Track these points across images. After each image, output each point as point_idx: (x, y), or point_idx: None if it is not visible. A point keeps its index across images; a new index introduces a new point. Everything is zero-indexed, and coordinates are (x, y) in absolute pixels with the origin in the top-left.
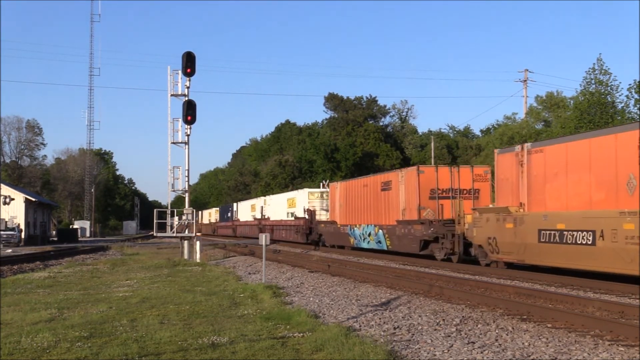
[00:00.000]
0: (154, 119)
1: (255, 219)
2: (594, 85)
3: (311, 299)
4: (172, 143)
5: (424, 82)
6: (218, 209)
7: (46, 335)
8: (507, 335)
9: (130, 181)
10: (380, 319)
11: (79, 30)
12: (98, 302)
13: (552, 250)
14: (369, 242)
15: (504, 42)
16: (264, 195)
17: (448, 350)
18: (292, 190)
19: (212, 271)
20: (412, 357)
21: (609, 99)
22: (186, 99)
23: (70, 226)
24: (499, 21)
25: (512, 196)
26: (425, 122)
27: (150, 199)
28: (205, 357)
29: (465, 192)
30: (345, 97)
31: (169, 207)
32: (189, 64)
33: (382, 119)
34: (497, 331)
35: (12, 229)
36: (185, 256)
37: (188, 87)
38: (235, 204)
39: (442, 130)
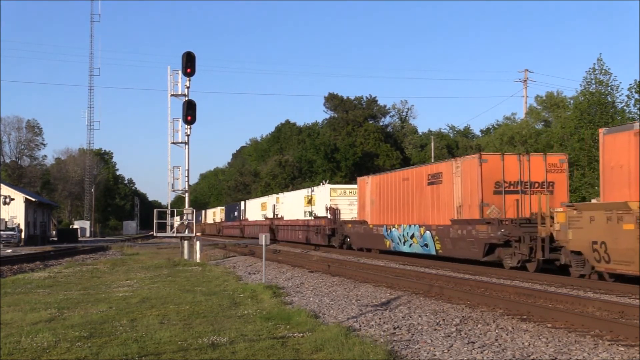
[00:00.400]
0: (154, 119)
1: (266, 218)
2: (594, 85)
3: (311, 299)
4: (172, 143)
5: (424, 82)
6: (223, 208)
7: (46, 335)
8: (507, 335)
9: (130, 181)
10: (380, 319)
11: (79, 30)
12: (98, 302)
13: None
14: (411, 245)
15: (504, 42)
16: (276, 193)
17: (448, 350)
18: (307, 186)
19: (212, 271)
20: (412, 357)
21: (609, 99)
22: (186, 99)
23: (70, 226)
24: (499, 21)
25: (631, 188)
26: (425, 122)
27: (150, 199)
28: (205, 357)
29: (536, 185)
30: (345, 97)
31: (169, 207)
32: (189, 64)
33: (382, 119)
34: (497, 331)
35: (12, 229)
36: (185, 256)
37: (188, 87)
38: (242, 203)
39: (442, 130)
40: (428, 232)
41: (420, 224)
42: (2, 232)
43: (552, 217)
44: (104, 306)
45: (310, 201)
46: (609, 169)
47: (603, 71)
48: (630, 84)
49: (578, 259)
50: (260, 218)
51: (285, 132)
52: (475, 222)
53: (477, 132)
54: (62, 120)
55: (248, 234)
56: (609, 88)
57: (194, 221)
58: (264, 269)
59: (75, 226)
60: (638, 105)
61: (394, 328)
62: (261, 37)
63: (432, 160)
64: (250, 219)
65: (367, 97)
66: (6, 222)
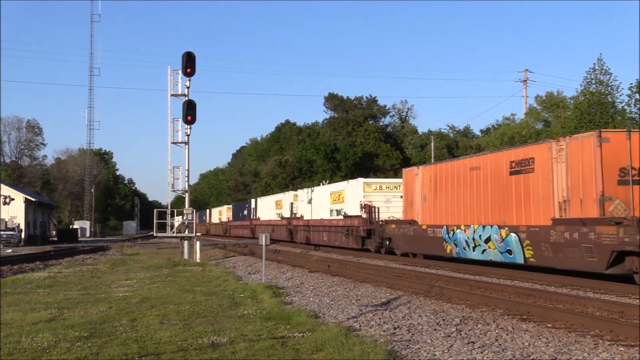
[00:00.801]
0: (154, 119)
1: (282, 217)
2: (594, 86)
3: (311, 299)
4: (172, 143)
5: (424, 82)
6: (230, 206)
7: (46, 335)
8: (507, 335)
9: (130, 181)
10: (380, 319)
11: (79, 30)
12: (98, 302)
13: None
14: (485, 251)
15: (504, 42)
16: (294, 189)
17: (448, 350)
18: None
19: (212, 271)
20: (412, 357)
21: (609, 99)
22: (186, 99)
23: (70, 226)
24: (499, 21)
25: None
26: (425, 122)
27: (150, 199)
28: (205, 357)
29: None
30: (345, 97)
31: (169, 207)
32: (189, 64)
33: (382, 119)
34: (497, 331)
35: (12, 229)
36: (185, 256)
37: (188, 87)
38: (253, 200)
39: (442, 130)
40: (513, 234)
41: (501, 225)
42: (2, 232)
43: None
44: (104, 306)
45: (338, 198)
46: None
47: (603, 71)
48: (631, 84)
49: None
50: (275, 217)
51: (285, 132)
52: (594, 222)
53: (477, 132)
54: (62, 120)
55: (258, 235)
56: (609, 88)
57: (194, 221)
58: (264, 269)
59: (75, 226)
60: (638, 105)
61: (394, 328)
62: (261, 37)
63: (432, 161)
64: (262, 218)
65: (367, 97)
66: (6, 222)
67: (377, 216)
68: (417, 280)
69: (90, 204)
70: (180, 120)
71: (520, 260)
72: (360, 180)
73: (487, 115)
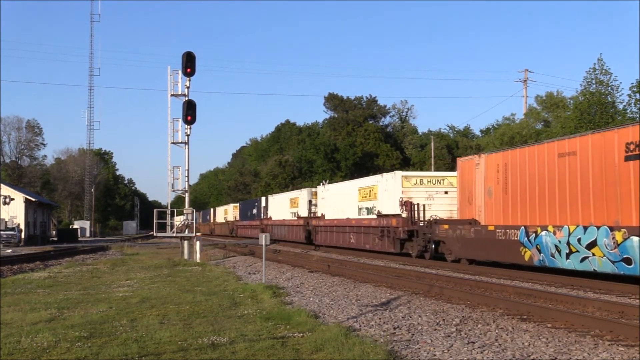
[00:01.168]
0: (154, 119)
1: (299, 217)
2: (594, 85)
3: (311, 299)
4: (172, 143)
5: (424, 82)
6: (237, 204)
7: (46, 335)
8: (507, 335)
9: (130, 181)
10: (380, 319)
11: (79, 30)
12: (98, 302)
13: None
14: (587, 259)
15: (504, 42)
16: (312, 186)
17: (448, 350)
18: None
19: (212, 271)
20: (412, 357)
21: (609, 99)
22: (186, 99)
23: (70, 226)
24: (499, 21)
25: None
26: (425, 122)
27: (150, 199)
28: (205, 357)
29: None
30: (345, 97)
31: (169, 207)
32: (189, 64)
33: (382, 119)
34: (497, 331)
35: (12, 229)
36: (185, 256)
37: (188, 87)
38: (263, 198)
39: (442, 130)
40: (636, 239)
41: (613, 226)
42: (2, 232)
43: None
44: (104, 306)
45: (368, 195)
46: None
47: (603, 71)
48: (632, 84)
49: None
50: (289, 217)
51: (285, 132)
52: None
53: (477, 132)
54: (62, 120)
55: (272, 236)
56: (609, 88)
57: (194, 221)
58: (264, 269)
59: (75, 226)
60: (639, 105)
61: (394, 328)
62: (261, 37)
63: (432, 161)
64: (275, 218)
65: (367, 97)
66: (6, 222)
67: (420, 215)
68: (417, 280)
69: (90, 204)
70: (180, 120)
71: None
72: (398, 174)
73: (487, 115)
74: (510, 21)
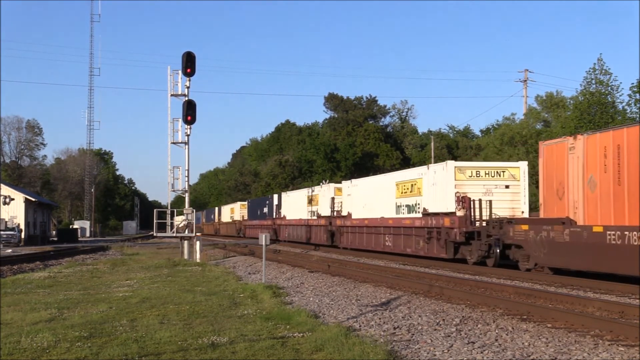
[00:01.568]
0: (154, 119)
1: (320, 216)
2: (594, 86)
3: (311, 299)
4: (172, 143)
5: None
6: (245, 203)
7: (46, 335)
8: (507, 335)
9: (130, 181)
10: (380, 319)
11: (79, 30)
12: (98, 302)
13: None
14: None
15: (504, 42)
16: (334, 181)
17: (448, 350)
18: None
19: (212, 271)
20: (412, 357)
21: (609, 99)
22: (186, 99)
23: (70, 226)
24: (499, 21)
25: None
26: (425, 122)
27: (150, 199)
28: (205, 357)
29: None
30: (345, 97)
31: (169, 207)
32: (189, 64)
33: (382, 119)
34: (497, 331)
35: (12, 229)
36: (185, 256)
37: (188, 87)
38: (276, 196)
39: (442, 130)
40: None
41: None
42: (2, 232)
43: None
44: (104, 306)
45: (410, 189)
46: None
47: (603, 71)
48: (632, 84)
49: None
50: (307, 216)
51: (285, 132)
52: None
53: (477, 132)
54: (62, 120)
55: (288, 237)
56: (609, 88)
57: (194, 221)
58: (264, 269)
59: (75, 226)
60: (639, 105)
61: (394, 328)
62: (261, 37)
63: (432, 161)
64: (289, 217)
65: (367, 97)
66: (6, 222)
67: (478, 212)
68: (417, 280)
69: (90, 204)
70: (180, 120)
71: None
72: (451, 165)
73: (487, 115)
74: (510, 21)
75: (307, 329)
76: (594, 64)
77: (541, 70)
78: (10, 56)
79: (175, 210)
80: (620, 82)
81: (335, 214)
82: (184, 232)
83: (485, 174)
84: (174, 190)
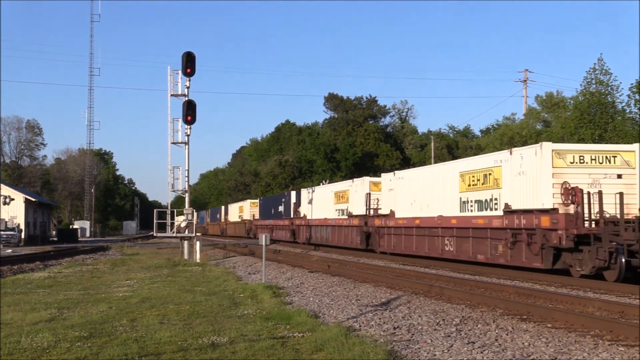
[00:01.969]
0: (154, 119)
1: (351, 215)
2: (594, 86)
3: (311, 299)
4: (172, 143)
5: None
6: (256, 201)
7: (46, 335)
8: (507, 335)
9: (130, 181)
10: (380, 319)
11: (79, 30)
12: (98, 302)
13: None
14: None
15: (504, 42)
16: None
17: (448, 350)
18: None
19: (212, 271)
20: (412, 357)
21: (609, 99)
22: (186, 99)
23: (70, 226)
24: (499, 21)
25: None
26: (425, 122)
27: (150, 199)
28: (205, 357)
29: None
30: (345, 97)
31: (169, 207)
32: (189, 64)
33: (382, 119)
34: (497, 331)
35: (12, 229)
36: (185, 256)
37: (188, 87)
38: (294, 193)
39: (442, 130)
40: None
41: None
42: (2, 232)
43: None
44: (104, 306)
45: (482, 181)
46: None
47: (603, 71)
48: (632, 84)
49: None
50: (334, 215)
51: (285, 132)
52: None
53: (477, 132)
54: (62, 120)
55: (308, 239)
56: (609, 88)
57: (194, 221)
58: (264, 269)
59: (75, 226)
60: (638, 105)
61: (394, 328)
62: (261, 37)
63: (432, 161)
64: (312, 217)
65: (367, 97)
66: (6, 222)
67: (600, 209)
68: (417, 280)
69: (90, 204)
70: (180, 120)
71: None
72: (547, 147)
73: (487, 115)
74: (510, 21)
75: (307, 329)
76: (594, 64)
77: (541, 70)
78: (10, 56)
79: (175, 210)
80: (620, 82)
81: (371, 212)
82: (184, 232)
83: (592, 159)
84: (174, 190)
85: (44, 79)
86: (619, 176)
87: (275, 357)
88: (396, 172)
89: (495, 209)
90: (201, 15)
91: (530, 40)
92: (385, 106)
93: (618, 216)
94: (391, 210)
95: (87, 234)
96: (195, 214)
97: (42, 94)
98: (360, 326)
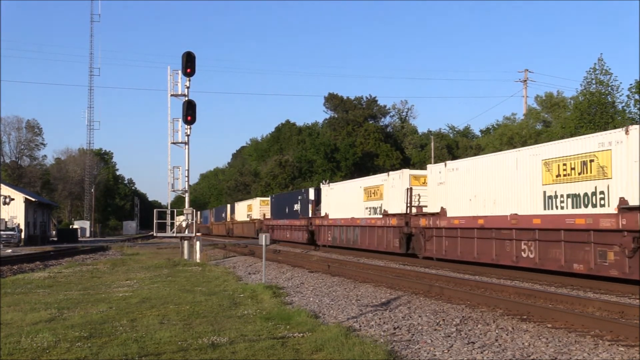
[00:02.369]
0: (154, 119)
1: (387, 214)
2: (594, 86)
3: (311, 299)
4: (172, 143)
5: (424, 82)
6: (268, 199)
7: (46, 335)
8: (507, 335)
9: (130, 181)
10: (380, 319)
11: (79, 30)
12: (98, 302)
13: None
14: None
15: (504, 42)
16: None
17: (448, 350)
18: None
19: (212, 271)
20: (412, 357)
21: (609, 99)
22: (186, 99)
23: (70, 226)
24: (499, 21)
25: None
26: (425, 122)
27: (150, 199)
28: (205, 357)
29: None
30: (345, 97)
31: (169, 207)
32: (189, 64)
33: (382, 119)
34: (497, 331)
35: (12, 229)
36: (185, 256)
37: (188, 87)
38: (312, 190)
39: (442, 130)
40: None
41: None
42: (2, 232)
43: None
44: (104, 306)
45: (582, 169)
46: None
47: (604, 71)
48: (631, 84)
49: None
50: (364, 214)
51: (285, 132)
52: None
53: (477, 132)
54: (62, 120)
55: (330, 241)
56: (609, 88)
57: (194, 221)
58: (264, 269)
59: (75, 226)
60: (638, 106)
61: (394, 328)
62: (261, 37)
63: (432, 161)
64: (335, 216)
65: (367, 97)
66: (6, 222)
67: None
68: (417, 280)
69: (90, 204)
70: (180, 120)
71: None
72: None
73: (487, 115)
74: (510, 21)
75: (307, 329)
76: (595, 64)
77: (541, 70)
78: (10, 56)
79: (175, 210)
80: (620, 82)
81: (413, 210)
82: (184, 232)
83: None
84: (174, 190)
85: (44, 79)
86: None
87: (275, 357)
88: (448, 162)
89: (602, 205)
90: (201, 15)
91: (530, 40)
92: (385, 106)
93: None
94: (442, 208)
95: (87, 234)
96: (198, 213)
97: (42, 94)
98: (360, 326)
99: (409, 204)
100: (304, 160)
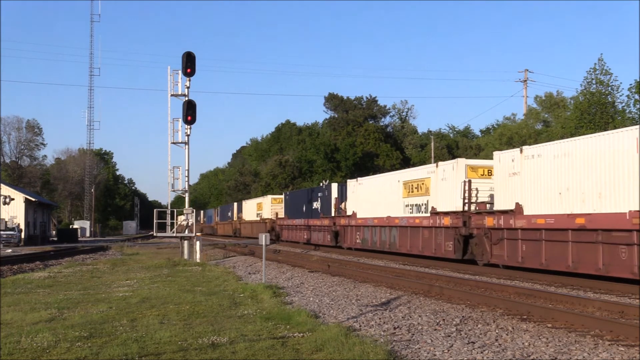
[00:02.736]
0: (154, 119)
1: (435, 213)
2: (594, 86)
3: (311, 299)
4: (172, 143)
5: (424, 82)
6: (281, 196)
7: (46, 335)
8: (507, 335)
9: (130, 181)
10: (380, 319)
11: (79, 30)
12: (98, 302)
13: None
14: None
15: (504, 42)
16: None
17: (448, 350)
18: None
19: (212, 271)
20: (412, 357)
21: (610, 99)
22: (186, 99)
23: (70, 226)
24: (499, 21)
25: None
26: (425, 122)
27: (150, 199)
28: (205, 357)
29: None
30: (345, 97)
31: (169, 207)
32: (189, 64)
33: (382, 119)
34: (497, 331)
35: (12, 229)
36: (185, 256)
37: (188, 87)
38: (335, 186)
39: (442, 130)
40: None
41: None
42: (2, 232)
43: None
44: (104, 306)
45: None
46: None
47: (604, 71)
48: (631, 84)
49: None
50: (401, 212)
51: (285, 132)
52: None
53: (477, 132)
54: (62, 120)
55: (359, 243)
56: (609, 88)
57: (194, 220)
58: (264, 269)
59: (75, 226)
60: (638, 106)
61: (394, 328)
62: (261, 37)
63: (432, 161)
64: (363, 215)
65: (367, 97)
66: (6, 222)
67: None
68: (417, 280)
69: (90, 204)
70: (180, 120)
71: None
72: None
73: (487, 115)
74: (510, 21)
75: (307, 329)
76: (595, 64)
77: (541, 70)
78: (10, 56)
79: (175, 210)
80: (620, 83)
81: (470, 208)
82: (184, 232)
83: None
84: (174, 190)
85: (44, 79)
86: None
87: (275, 357)
88: (524, 147)
89: None
90: (201, 15)
91: (530, 40)
92: (385, 106)
93: None
94: (517, 205)
95: (87, 234)
96: (201, 212)
97: (42, 94)
98: (360, 326)
99: (467, 200)
100: (304, 160)
